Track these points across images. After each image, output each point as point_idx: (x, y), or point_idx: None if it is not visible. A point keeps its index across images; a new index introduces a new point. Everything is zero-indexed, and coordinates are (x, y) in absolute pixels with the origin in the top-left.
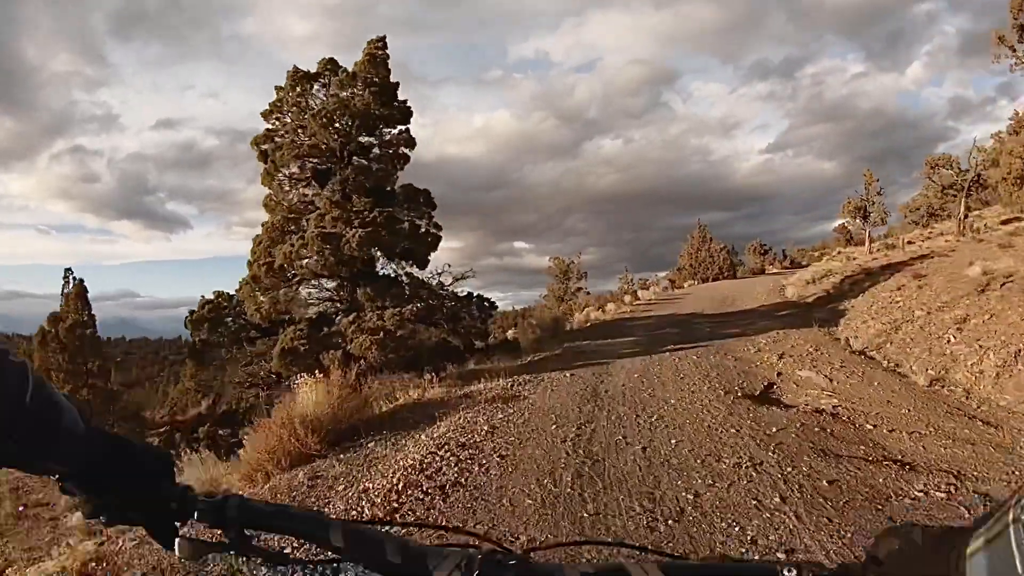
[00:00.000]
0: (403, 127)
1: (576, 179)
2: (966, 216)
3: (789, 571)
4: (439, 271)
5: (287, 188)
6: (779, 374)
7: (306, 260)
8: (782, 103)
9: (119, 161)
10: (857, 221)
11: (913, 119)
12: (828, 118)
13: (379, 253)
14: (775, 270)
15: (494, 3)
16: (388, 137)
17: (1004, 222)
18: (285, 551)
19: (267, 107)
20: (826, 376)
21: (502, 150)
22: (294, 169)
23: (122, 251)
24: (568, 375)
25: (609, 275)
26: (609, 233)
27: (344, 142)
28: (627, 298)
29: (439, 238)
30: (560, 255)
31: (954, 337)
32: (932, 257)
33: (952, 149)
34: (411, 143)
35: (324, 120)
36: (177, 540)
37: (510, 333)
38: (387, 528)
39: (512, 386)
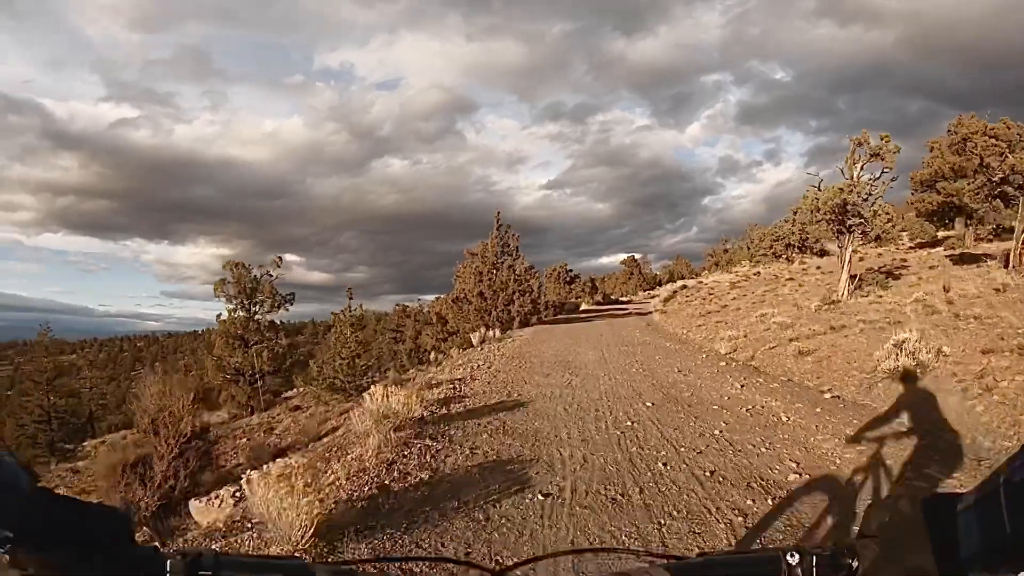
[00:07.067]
0: None
1: (358, 196)
2: None
3: (792, 556)
4: None
5: None
6: None
7: None
8: (568, 144)
9: None
10: (823, 228)
11: (686, 172)
12: (608, 162)
13: None
14: (586, 305)
15: (310, 8)
16: None
17: None
18: None
19: None
20: None
21: (289, 158)
22: None
23: None
24: None
25: (375, 295)
26: (381, 253)
27: None
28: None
29: None
30: (246, 262)
31: None
32: None
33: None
34: None
35: None
36: None
37: None
38: (373, 566)
39: None
